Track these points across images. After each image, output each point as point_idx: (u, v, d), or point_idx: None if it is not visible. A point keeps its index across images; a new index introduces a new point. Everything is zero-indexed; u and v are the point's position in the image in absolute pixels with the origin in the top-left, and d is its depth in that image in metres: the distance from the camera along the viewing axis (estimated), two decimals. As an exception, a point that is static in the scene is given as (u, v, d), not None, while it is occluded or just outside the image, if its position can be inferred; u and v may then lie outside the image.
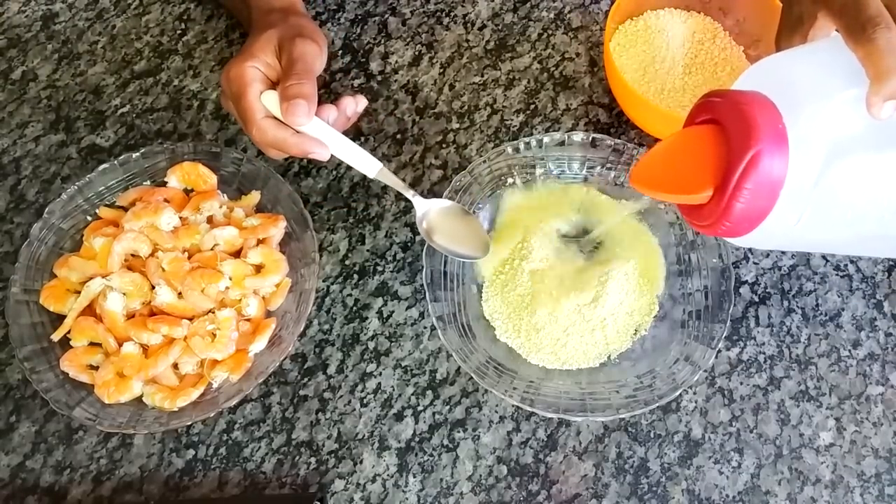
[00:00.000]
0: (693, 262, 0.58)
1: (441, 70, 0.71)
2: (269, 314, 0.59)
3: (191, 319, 0.57)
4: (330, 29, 0.74)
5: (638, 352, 0.57)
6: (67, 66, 0.73)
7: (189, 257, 0.59)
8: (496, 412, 0.56)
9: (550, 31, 0.73)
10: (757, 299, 0.60)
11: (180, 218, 0.60)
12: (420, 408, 0.56)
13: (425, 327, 0.59)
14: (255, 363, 0.57)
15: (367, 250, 0.62)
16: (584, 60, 0.71)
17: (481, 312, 0.58)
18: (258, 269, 0.59)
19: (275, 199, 0.62)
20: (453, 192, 0.60)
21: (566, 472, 0.54)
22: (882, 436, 0.55)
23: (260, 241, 0.60)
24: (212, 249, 0.59)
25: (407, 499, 0.53)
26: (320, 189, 0.65)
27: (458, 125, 0.68)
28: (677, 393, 0.52)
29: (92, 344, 0.57)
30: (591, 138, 0.61)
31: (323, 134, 0.53)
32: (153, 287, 0.57)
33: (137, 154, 0.63)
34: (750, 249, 0.62)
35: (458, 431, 0.55)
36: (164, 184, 0.63)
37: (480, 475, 0.54)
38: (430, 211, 0.57)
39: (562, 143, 0.62)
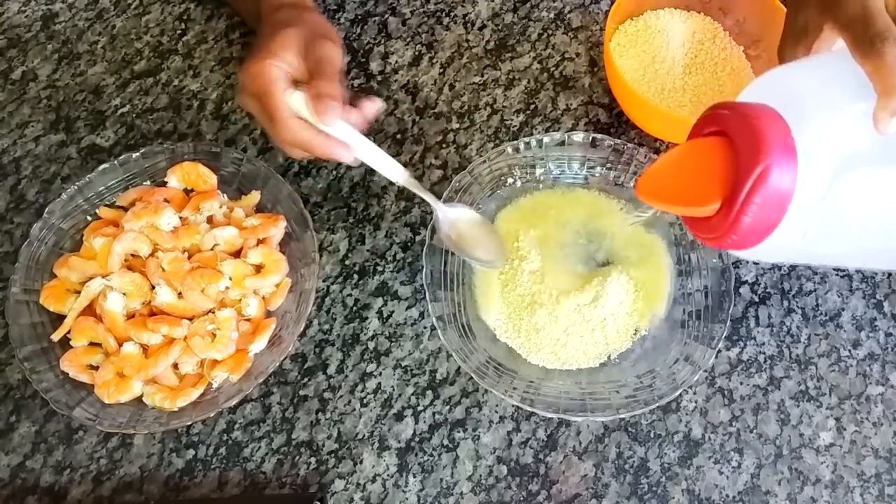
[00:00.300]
0: (693, 262, 0.58)
1: (441, 70, 0.71)
2: (269, 314, 0.59)
3: (191, 319, 0.57)
4: (330, 29, 0.74)
5: (638, 352, 0.57)
6: (67, 66, 0.73)
7: (189, 257, 0.59)
8: (496, 412, 0.56)
9: (550, 31, 0.73)
10: (757, 299, 0.60)
11: (180, 218, 0.60)
12: (420, 408, 0.56)
13: (425, 327, 0.59)
14: (255, 363, 0.57)
15: (367, 250, 0.62)
16: (584, 60, 0.71)
17: (481, 312, 0.58)
18: (258, 269, 0.59)
19: (275, 199, 0.62)
20: (453, 191, 0.60)
21: (566, 472, 0.54)
22: (882, 436, 0.55)
23: (260, 241, 0.60)
24: (212, 249, 0.59)
25: (407, 499, 0.53)
26: (320, 189, 0.65)
27: (458, 125, 0.68)
28: (677, 393, 0.52)
29: (92, 344, 0.57)
30: (591, 138, 0.61)
31: (349, 136, 0.53)
32: (153, 287, 0.57)
33: (137, 154, 0.63)
34: (750, 249, 0.62)
35: (458, 431, 0.55)
36: (164, 184, 0.63)
37: (480, 475, 0.54)
38: (455, 220, 0.57)
39: (562, 143, 0.62)
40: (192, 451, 0.55)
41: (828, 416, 0.56)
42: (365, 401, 0.57)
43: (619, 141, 0.61)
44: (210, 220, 0.61)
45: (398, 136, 0.67)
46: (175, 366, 0.57)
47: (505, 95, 0.70)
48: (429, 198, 0.56)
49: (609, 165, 0.62)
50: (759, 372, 0.57)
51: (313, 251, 0.59)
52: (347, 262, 0.62)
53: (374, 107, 0.55)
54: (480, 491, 0.54)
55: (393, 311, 0.60)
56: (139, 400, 0.55)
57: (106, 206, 0.63)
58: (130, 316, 0.57)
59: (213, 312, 0.57)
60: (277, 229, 0.60)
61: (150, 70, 0.72)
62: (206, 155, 0.64)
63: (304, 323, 0.57)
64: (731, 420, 0.56)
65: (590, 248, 0.60)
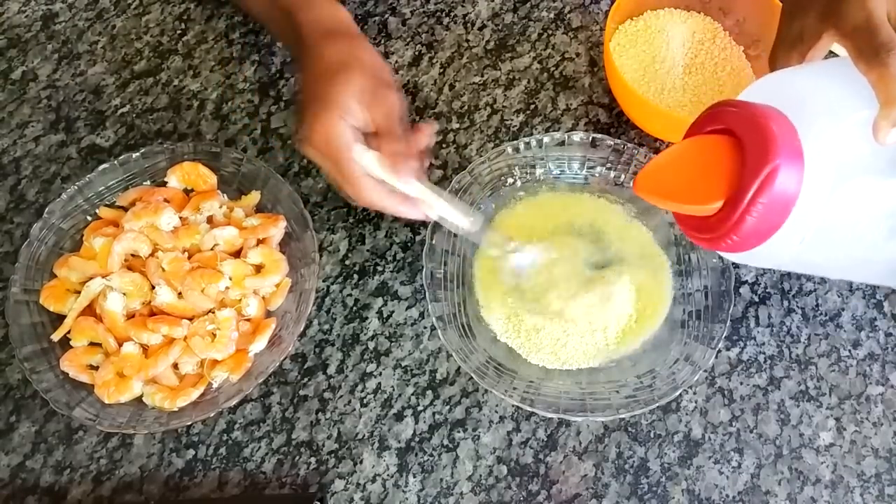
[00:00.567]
0: (693, 262, 0.58)
1: (441, 70, 0.71)
2: (269, 314, 0.59)
3: (191, 319, 0.57)
4: (330, 29, 0.74)
5: (638, 352, 0.57)
6: (67, 66, 0.73)
7: (189, 257, 0.59)
8: (496, 412, 0.56)
9: (550, 31, 0.73)
10: (757, 299, 0.60)
11: (180, 218, 0.60)
12: (420, 408, 0.56)
13: (425, 327, 0.59)
14: (255, 363, 0.57)
15: (367, 250, 0.62)
16: (584, 60, 0.71)
17: (481, 312, 0.58)
18: (258, 269, 0.59)
19: (275, 199, 0.62)
20: (453, 191, 0.60)
21: (566, 472, 0.54)
22: (882, 436, 0.55)
23: (260, 241, 0.60)
24: (212, 249, 0.59)
25: (407, 499, 0.53)
26: (320, 189, 0.65)
27: (458, 125, 0.68)
28: (677, 393, 0.52)
29: (92, 344, 0.57)
30: (591, 138, 0.61)
31: (423, 192, 0.51)
32: (153, 287, 0.57)
33: (137, 154, 0.63)
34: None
35: (458, 431, 0.55)
36: (164, 184, 0.63)
37: (480, 475, 0.54)
38: (530, 262, 0.57)
39: (562, 143, 0.62)
40: (192, 451, 0.55)
41: (828, 416, 0.56)
42: (365, 401, 0.57)
43: (619, 141, 0.61)
44: (210, 220, 0.61)
45: (398, 136, 0.67)
46: (175, 366, 0.57)
47: (505, 95, 0.70)
48: (509, 247, 0.56)
49: (609, 165, 0.62)
50: (759, 372, 0.57)
51: (313, 251, 0.59)
52: (347, 262, 0.62)
53: (429, 135, 0.53)
54: (480, 491, 0.54)
55: (393, 311, 0.60)
56: (139, 400, 0.55)
57: (106, 206, 0.63)
58: (130, 316, 0.57)
59: (213, 312, 0.57)
60: (277, 229, 0.60)
61: (150, 70, 0.72)
62: (206, 155, 0.64)
63: (304, 323, 0.57)
64: (731, 420, 0.56)
65: (590, 250, 0.60)
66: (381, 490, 0.54)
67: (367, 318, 0.60)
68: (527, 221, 0.61)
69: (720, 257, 0.57)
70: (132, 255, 0.59)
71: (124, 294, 0.57)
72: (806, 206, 0.39)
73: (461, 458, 0.55)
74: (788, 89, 0.43)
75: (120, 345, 0.56)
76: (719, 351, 0.57)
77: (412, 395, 0.57)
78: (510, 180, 0.63)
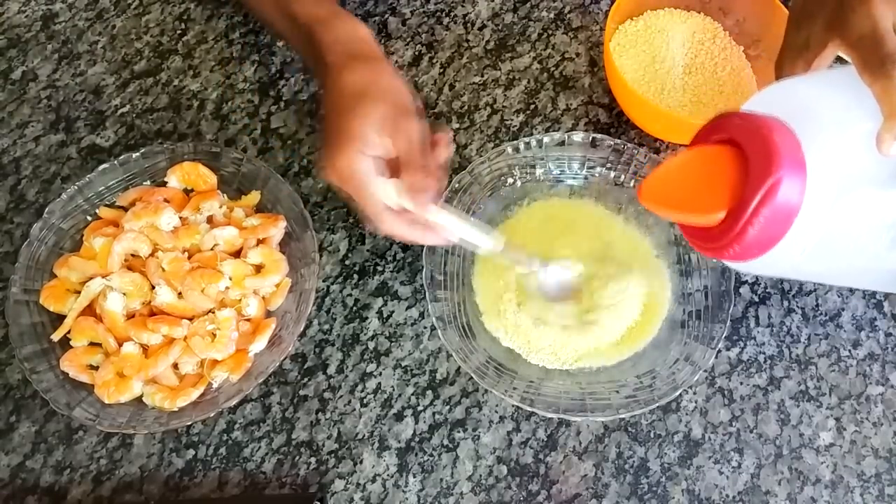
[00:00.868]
0: (693, 262, 0.58)
1: (441, 70, 0.71)
2: (269, 314, 0.59)
3: (191, 319, 0.57)
4: (330, 29, 0.74)
5: (638, 352, 0.57)
6: (67, 66, 0.73)
7: (189, 257, 0.59)
8: (496, 412, 0.56)
9: (550, 31, 0.73)
10: (757, 299, 0.60)
11: (180, 218, 0.60)
12: (420, 408, 0.56)
13: (425, 327, 0.59)
14: (255, 363, 0.57)
15: (367, 250, 0.62)
16: (584, 60, 0.71)
17: (481, 312, 0.58)
18: (258, 269, 0.59)
19: (275, 199, 0.62)
20: (453, 191, 0.60)
21: (566, 472, 0.54)
22: (882, 436, 0.55)
23: (260, 241, 0.60)
24: (212, 249, 0.59)
25: (407, 499, 0.53)
26: (320, 189, 0.65)
27: (458, 125, 0.68)
28: (677, 393, 0.52)
29: (92, 344, 0.57)
30: (591, 138, 0.61)
31: (445, 219, 0.50)
32: (153, 287, 0.57)
33: (137, 154, 0.63)
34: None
35: (458, 431, 0.55)
36: (164, 184, 0.63)
37: (480, 475, 0.54)
38: (552, 275, 0.57)
39: (562, 143, 0.62)
40: (192, 451, 0.55)
41: (828, 416, 0.56)
42: (365, 401, 0.57)
43: (619, 141, 0.61)
44: (210, 220, 0.61)
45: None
46: (175, 366, 0.57)
47: (505, 95, 0.70)
48: (531, 265, 0.56)
49: (609, 165, 0.62)
50: (759, 372, 0.57)
51: (313, 251, 0.59)
52: (347, 262, 0.62)
53: (447, 146, 0.52)
54: (480, 491, 0.54)
55: (393, 311, 0.60)
56: (139, 400, 0.55)
57: (106, 206, 0.63)
58: (130, 316, 0.57)
59: (213, 312, 0.57)
60: (277, 229, 0.60)
61: (150, 70, 0.72)
62: (206, 155, 0.64)
63: (304, 323, 0.57)
64: (731, 420, 0.56)
65: (590, 251, 0.60)
66: (381, 490, 0.54)
67: (367, 318, 0.60)
68: (526, 225, 0.61)
69: (720, 257, 0.57)
70: (132, 255, 0.59)
71: (124, 294, 0.57)
72: (808, 217, 0.39)
73: (461, 458, 0.55)
74: (793, 99, 0.43)
75: (120, 345, 0.56)
76: (719, 351, 0.57)
77: (412, 395, 0.57)
78: (510, 180, 0.63)
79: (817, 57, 0.47)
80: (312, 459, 0.55)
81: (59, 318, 0.57)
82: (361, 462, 0.55)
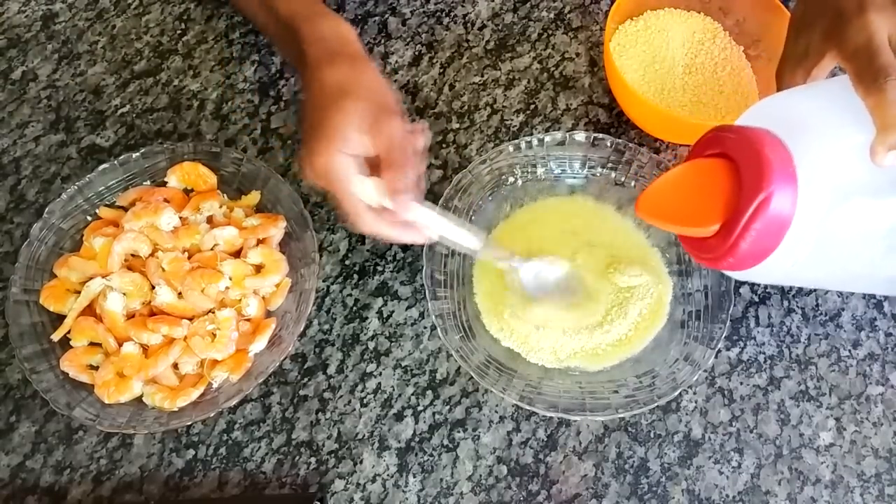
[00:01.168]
0: (693, 262, 0.58)
1: (441, 70, 0.71)
2: (269, 314, 0.59)
3: (191, 319, 0.57)
4: (330, 29, 0.74)
5: (638, 352, 0.57)
6: (67, 66, 0.73)
7: (189, 257, 0.59)
8: (496, 412, 0.56)
9: (550, 31, 0.73)
10: (757, 299, 0.60)
11: (180, 218, 0.60)
12: (420, 408, 0.56)
13: (425, 327, 0.59)
14: (255, 363, 0.57)
15: (367, 250, 0.62)
16: (584, 60, 0.71)
17: (481, 312, 0.58)
18: (258, 269, 0.59)
19: (275, 199, 0.62)
20: (453, 191, 0.60)
21: (566, 472, 0.54)
22: (882, 436, 0.55)
23: (260, 241, 0.60)
24: (212, 249, 0.59)
25: (407, 499, 0.53)
26: (320, 189, 0.65)
27: (458, 125, 0.68)
28: (677, 393, 0.52)
29: (92, 344, 0.57)
30: (591, 138, 0.61)
31: (425, 217, 0.50)
32: (153, 287, 0.57)
33: (137, 154, 0.63)
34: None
35: (458, 431, 0.55)
36: (164, 184, 0.63)
37: (480, 475, 0.54)
38: (536, 274, 0.57)
39: (562, 143, 0.62)
40: (192, 451, 0.55)
41: (828, 416, 0.56)
42: (365, 401, 0.57)
43: (619, 141, 0.61)
44: (210, 220, 0.61)
45: (398, 136, 0.67)
46: (175, 366, 0.57)
47: (505, 95, 0.70)
48: (512, 262, 0.56)
49: (610, 165, 0.62)
50: (759, 372, 0.57)
51: (313, 251, 0.59)
52: (347, 262, 0.62)
53: (424, 134, 0.51)
54: (480, 491, 0.54)
55: (393, 311, 0.60)
56: (139, 400, 0.55)
57: (106, 206, 0.63)
58: (130, 316, 0.57)
59: (213, 312, 0.57)
60: (277, 229, 0.60)
61: (150, 70, 0.72)
62: (206, 155, 0.64)
63: (304, 323, 0.57)
64: (731, 420, 0.56)
65: (590, 253, 0.60)
66: (381, 490, 0.54)
67: (367, 318, 0.60)
68: (528, 231, 0.61)
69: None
70: (132, 255, 0.59)
71: (124, 294, 0.57)
72: (800, 229, 0.40)
73: (461, 458, 0.55)
74: (788, 112, 0.44)
75: (120, 345, 0.56)
76: (719, 351, 0.57)
77: (412, 395, 0.57)
78: (511, 179, 0.63)
79: (816, 66, 0.47)
80: (312, 459, 0.55)
81: (59, 318, 0.57)
82: (361, 462, 0.55)
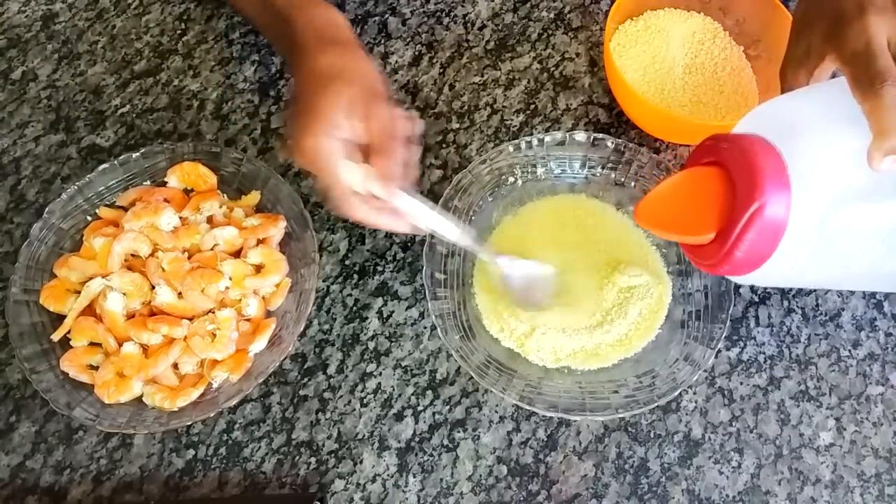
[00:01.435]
0: (693, 262, 0.58)
1: (441, 70, 0.71)
2: (269, 314, 0.59)
3: (191, 319, 0.57)
4: (330, 29, 0.74)
5: (638, 352, 0.57)
6: (67, 66, 0.73)
7: (189, 257, 0.59)
8: (496, 412, 0.56)
9: (550, 31, 0.73)
10: (757, 299, 0.60)
11: (180, 218, 0.60)
12: (420, 408, 0.56)
13: (425, 327, 0.59)
14: (255, 363, 0.57)
15: (367, 250, 0.62)
16: (584, 60, 0.71)
17: (481, 312, 0.58)
18: (258, 269, 0.59)
19: (275, 199, 0.62)
20: (453, 191, 0.60)
21: (566, 472, 0.54)
22: (882, 436, 0.55)
23: (260, 241, 0.60)
24: (212, 249, 0.59)
25: (407, 499, 0.53)
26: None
27: (458, 125, 0.68)
28: (677, 393, 0.52)
29: (92, 344, 0.57)
30: (591, 138, 0.61)
31: (410, 205, 0.50)
32: (153, 287, 0.57)
33: (137, 154, 0.63)
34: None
35: (458, 431, 0.55)
36: (164, 184, 0.63)
37: (480, 475, 0.54)
38: (513, 271, 0.57)
39: (562, 143, 0.62)
40: (192, 451, 0.55)
41: (828, 416, 0.56)
42: (365, 401, 0.57)
43: (619, 141, 0.61)
44: (210, 220, 0.61)
45: (398, 136, 0.67)
46: (175, 366, 0.57)
47: (505, 95, 0.70)
48: (486, 255, 0.56)
49: (610, 165, 0.62)
50: (759, 372, 0.57)
51: (313, 251, 0.59)
52: (347, 262, 0.62)
53: (414, 120, 0.51)
54: (480, 491, 0.54)
55: (393, 311, 0.60)
56: (139, 400, 0.55)
57: (106, 206, 0.63)
58: (130, 316, 0.57)
59: (213, 312, 0.57)
60: (277, 229, 0.60)
61: (150, 70, 0.72)
62: (206, 155, 0.64)
63: (304, 323, 0.57)
64: (731, 420, 0.56)
65: (590, 252, 0.60)
66: (381, 490, 0.54)
67: (367, 318, 0.60)
68: (528, 231, 0.61)
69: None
70: (132, 255, 0.59)
71: (124, 294, 0.57)
72: (796, 236, 0.40)
73: (461, 458, 0.55)
74: (785, 117, 0.44)
75: (120, 345, 0.56)
76: (719, 351, 0.57)
77: (412, 395, 0.57)
78: (511, 179, 0.63)
79: (817, 68, 0.47)
80: (312, 459, 0.55)
81: (59, 318, 0.57)
82: (361, 462, 0.55)
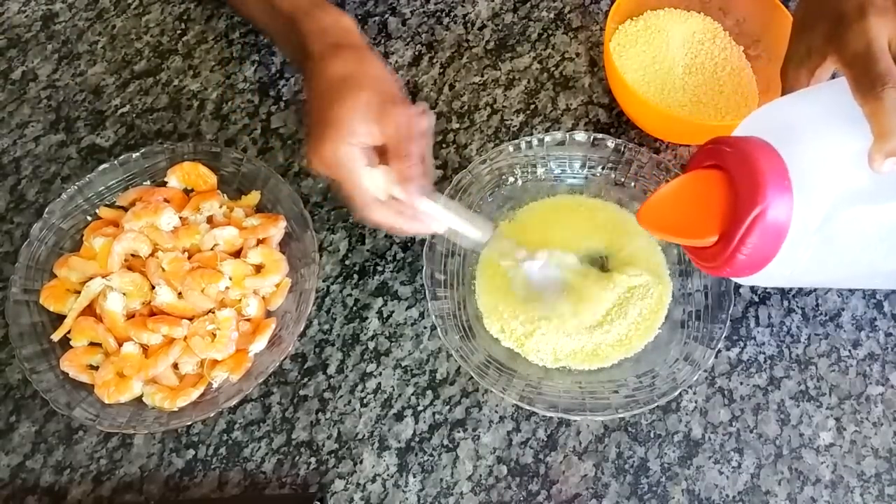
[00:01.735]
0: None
1: (441, 70, 0.71)
2: (269, 314, 0.59)
3: (191, 319, 0.57)
4: (330, 29, 0.74)
5: (638, 352, 0.57)
6: (67, 66, 0.73)
7: (189, 257, 0.59)
8: (496, 412, 0.56)
9: (550, 31, 0.73)
10: (757, 299, 0.60)
11: (180, 218, 0.60)
12: (420, 408, 0.56)
13: (425, 327, 0.59)
14: (255, 363, 0.57)
15: (367, 250, 0.62)
16: (584, 60, 0.71)
17: (481, 312, 0.58)
18: (258, 269, 0.59)
19: (275, 199, 0.62)
20: (453, 191, 0.60)
21: (566, 472, 0.54)
22: (882, 436, 0.55)
23: (260, 241, 0.60)
24: (212, 249, 0.59)
25: (407, 499, 0.53)
26: (320, 189, 0.65)
27: (458, 125, 0.68)
28: (677, 393, 0.52)
29: (92, 344, 0.57)
30: (591, 138, 0.61)
31: (434, 209, 0.50)
32: (153, 287, 0.57)
33: (137, 154, 0.63)
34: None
35: (458, 431, 0.55)
36: (164, 184, 0.63)
37: (480, 475, 0.54)
38: (538, 270, 0.57)
39: (562, 143, 0.62)
40: (192, 451, 0.55)
41: (828, 416, 0.56)
42: (365, 401, 0.57)
43: (620, 141, 0.61)
44: (210, 220, 0.61)
45: (398, 136, 0.67)
46: (175, 366, 0.57)
47: (505, 95, 0.70)
48: (519, 253, 0.56)
49: (610, 165, 0.62)
50: (759, 372, 0.57)
51: (313, 251, 0.59)
52: (347, 262, 0.62)
53: (427, 115, 0.51)
54: (480, 491, 0.54)
55: (393, 311, 0.60)
56: (139, 400, 0.55)
57: (106, 206, 0.63)
58: (130, 316, 0.57)
59: (213, 312, 0.57)
60: (277, 229, 0.60)
61: (150, 70, 0.72)
62: (206, 155, 0.64)
63: (304, 323, 0.57)
64: (731, 420, 0.56)
65: (590, 252, 0.60)
66: (381, 490, 0.54)
67: (367, 318, 0.60)
68: (528, 231, 0.61)
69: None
70: (132, 255, 0.59)
71: (124, 294, 0.57)
72: (798, 238, 0.40)
73: (461, 458, 0.55)
74: (786, 119, 0.44)
75: (120, 345, 0.56)
76: (719, 351, 0.57)
77: (412, 395, 0.57)
78: (511, 179, 0.63)
79: (818, 68, 0.47)
80: (312, 459, 0.55)
81: (59, 318, 0.57)
82: (361, 462, 0.55)
